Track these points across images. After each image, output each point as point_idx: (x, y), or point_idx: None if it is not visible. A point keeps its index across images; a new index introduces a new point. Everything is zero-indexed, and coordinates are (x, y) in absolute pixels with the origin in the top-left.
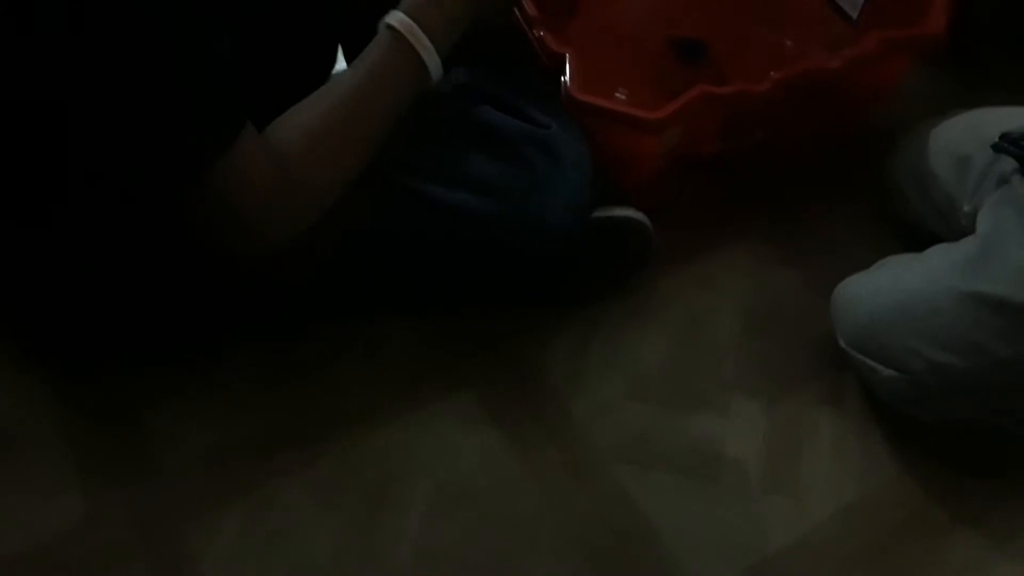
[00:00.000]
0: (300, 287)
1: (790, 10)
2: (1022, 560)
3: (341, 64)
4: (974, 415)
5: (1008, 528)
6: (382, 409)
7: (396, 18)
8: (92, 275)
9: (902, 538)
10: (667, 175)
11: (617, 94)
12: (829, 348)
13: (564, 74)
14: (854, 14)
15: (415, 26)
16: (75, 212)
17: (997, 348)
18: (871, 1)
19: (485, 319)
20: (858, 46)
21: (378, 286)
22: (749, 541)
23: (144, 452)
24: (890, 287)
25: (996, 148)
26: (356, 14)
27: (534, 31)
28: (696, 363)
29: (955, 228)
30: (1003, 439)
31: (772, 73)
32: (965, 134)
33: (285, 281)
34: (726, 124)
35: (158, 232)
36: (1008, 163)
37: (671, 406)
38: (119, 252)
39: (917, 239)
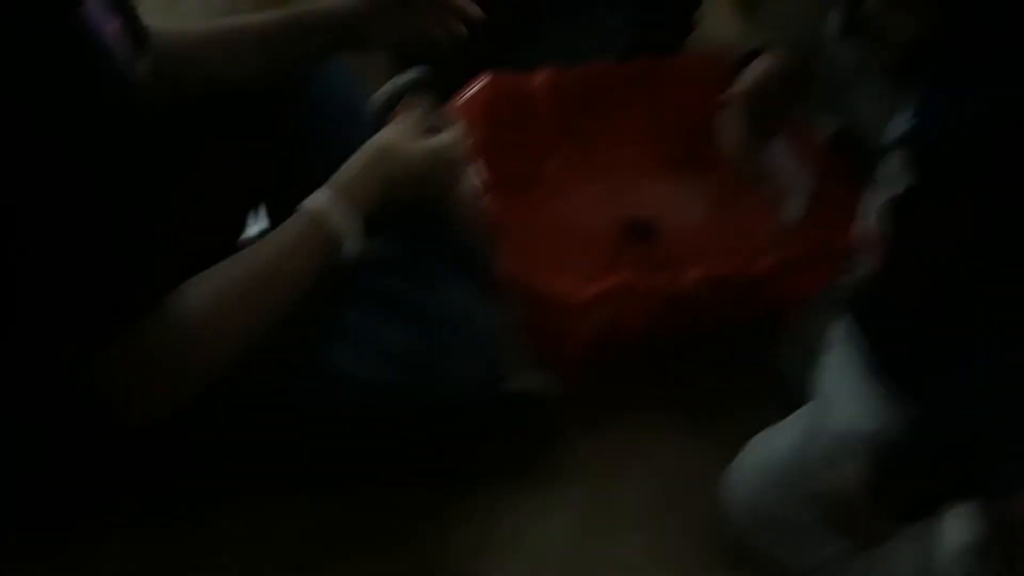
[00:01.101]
0: (191, 458)
1: (740, 200)
2: None
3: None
4: None
5: None
6: None
7: (317, 201)
8: None
9: None
10: (595, 354)
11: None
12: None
13: (497, 247)
14: (799, 212)
15: (334, 212)
16: None
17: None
18: (816, 203)
19: (385, 502)
20: (784, 249)
21: (278, 457)
22: None
23: None
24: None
25: None
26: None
27: (481, 198)
28: (603, 543)
29: None
30: None
31: (694, 270)
32: None
33: (179, 446)
34: (655, 311)
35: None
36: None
37: None
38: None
39: None
